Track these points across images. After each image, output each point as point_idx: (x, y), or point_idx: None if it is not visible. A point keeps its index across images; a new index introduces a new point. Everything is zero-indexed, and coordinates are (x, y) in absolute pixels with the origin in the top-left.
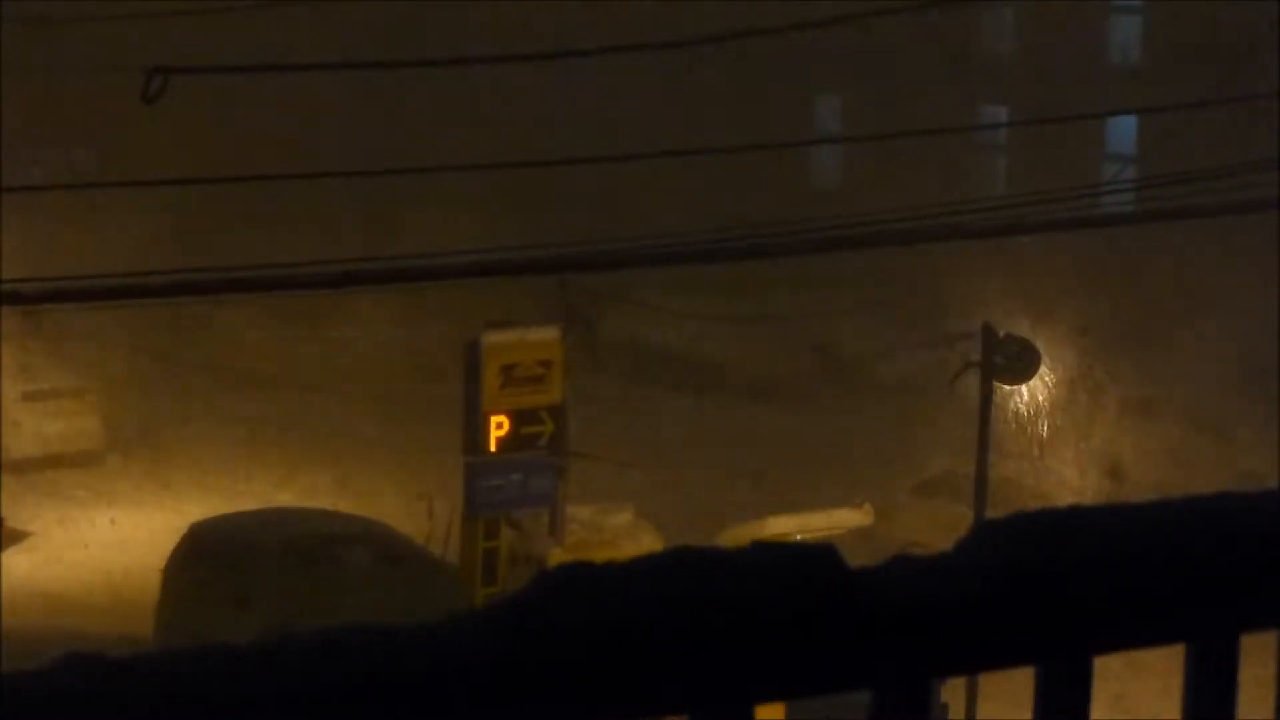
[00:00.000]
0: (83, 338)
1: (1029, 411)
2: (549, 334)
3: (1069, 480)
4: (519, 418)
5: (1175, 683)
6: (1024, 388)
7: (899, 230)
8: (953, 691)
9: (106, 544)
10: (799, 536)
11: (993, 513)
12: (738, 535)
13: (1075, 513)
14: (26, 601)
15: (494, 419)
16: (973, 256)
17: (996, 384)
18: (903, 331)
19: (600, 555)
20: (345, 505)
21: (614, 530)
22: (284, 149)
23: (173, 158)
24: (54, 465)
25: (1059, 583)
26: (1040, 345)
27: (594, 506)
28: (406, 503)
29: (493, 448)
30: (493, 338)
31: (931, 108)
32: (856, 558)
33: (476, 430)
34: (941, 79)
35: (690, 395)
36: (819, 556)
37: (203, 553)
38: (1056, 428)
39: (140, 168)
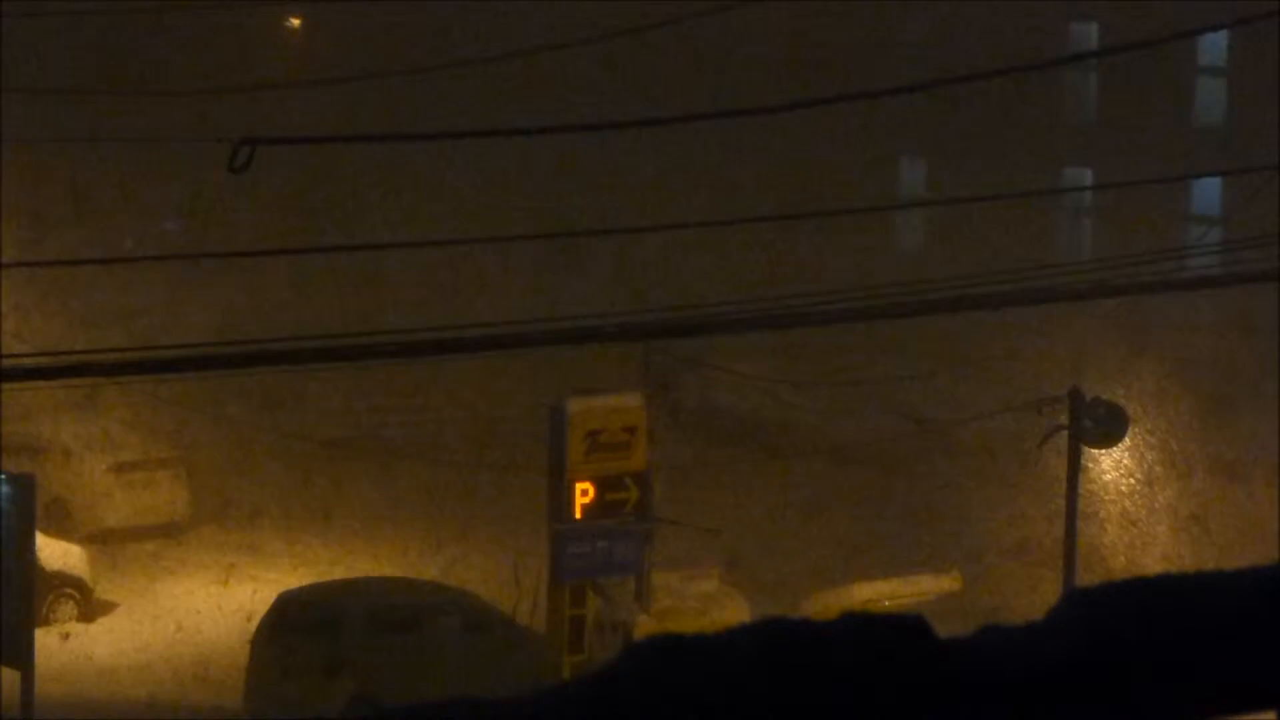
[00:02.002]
0: (171, 407)
1: (1117, 475)
2: (633, 400)
3: (1158, 545)
4: (604, 484)
5: None
6: (1112, 451)
7: (985, 294)
8: None
9: (195, 614)
10: (887, 603)
11: (1082, 578)
12: (825, 602)
13: (1165, 580)
14: (116, 672)
15: (579, 485)
16: (1059, 319)
17: (1084, 448)
18: (989, 395)
19: (687, 623)
20: (432, 573)
21: (700, 597)
22: (372, 218)
23: (260, 227)
24: (142, 536)
25: (1150, 650)
26: (1128, 408)
27: (680, 573)
28: (493, 570)
29: (578, 514)
30: (578, 404)
31: (1016, 171)
32: (945, 624)
33: (562, 497)
34: (1026, 142)
35: (775, 460)
36: (909, 628)
37: (291, 622)
38: (1145, 492)
39: (228, 237)
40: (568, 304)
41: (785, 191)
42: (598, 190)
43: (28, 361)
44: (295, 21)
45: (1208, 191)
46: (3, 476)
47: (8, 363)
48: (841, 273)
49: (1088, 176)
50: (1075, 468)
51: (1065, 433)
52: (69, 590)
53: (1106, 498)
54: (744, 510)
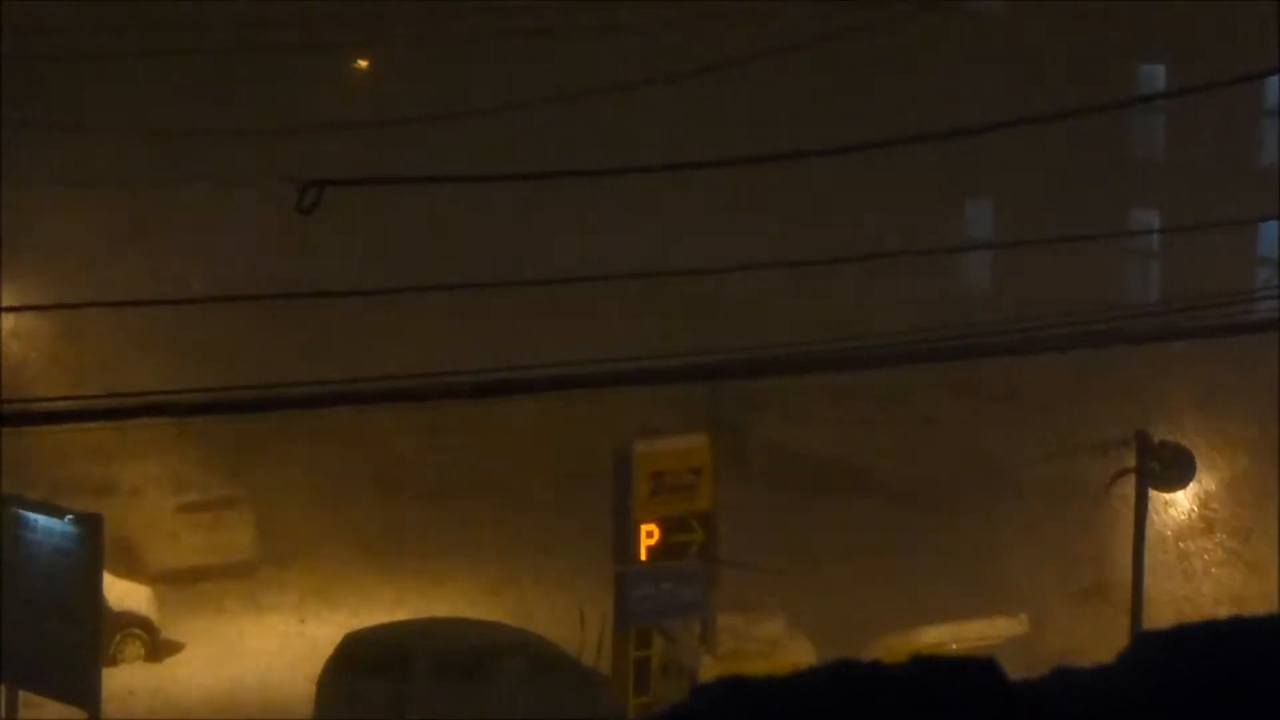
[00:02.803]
0: (235, 448)
1: (1185, 518)
2: (698, 441)
3: (1228, 589)
4: (669, 525)
5: None
6: (1179, 494)
7: (1051, 335)
8: None
9: (261, 655)
10: (954, 647)
11: (1149, 622)
12: (891, 645)
13: (1237, 624)
14: (183, 712)
15: (644, 527)
16: (1126, 362)
17: (1151, 491)
18: (1055, 437)
19: (752, 665)
20: (497, 614)
21: (765, 639)
22: (436, 257)
23: (325, 267)
24: (208, 576)
25: (1222, 695)
26: (1195, 451)
27: (745, 615)
28: (558, 612)
29: (643, 556)
30: (643, 445)
31: (1083, 212)
32: (1013, 668)
33: (627, 538)
34: (1092, 183)
35: (840, 501)
36: (982, 671)
37: (357, 663)
38: (1213, 535)
39: (294, 279)
40: (648, 344)
41: (852, 232)
42: (664, 230)
43: (104, 403)
44: (363, 63)
45: (1274, 234)
46: (71, 516)
47: (83, 404)
48: (907, 314)
49: (1154, 218)
50: (1142, 510)
51: (1132, 475)
52: (136, 630)
53: (1174, 540)
54: (809, 552)
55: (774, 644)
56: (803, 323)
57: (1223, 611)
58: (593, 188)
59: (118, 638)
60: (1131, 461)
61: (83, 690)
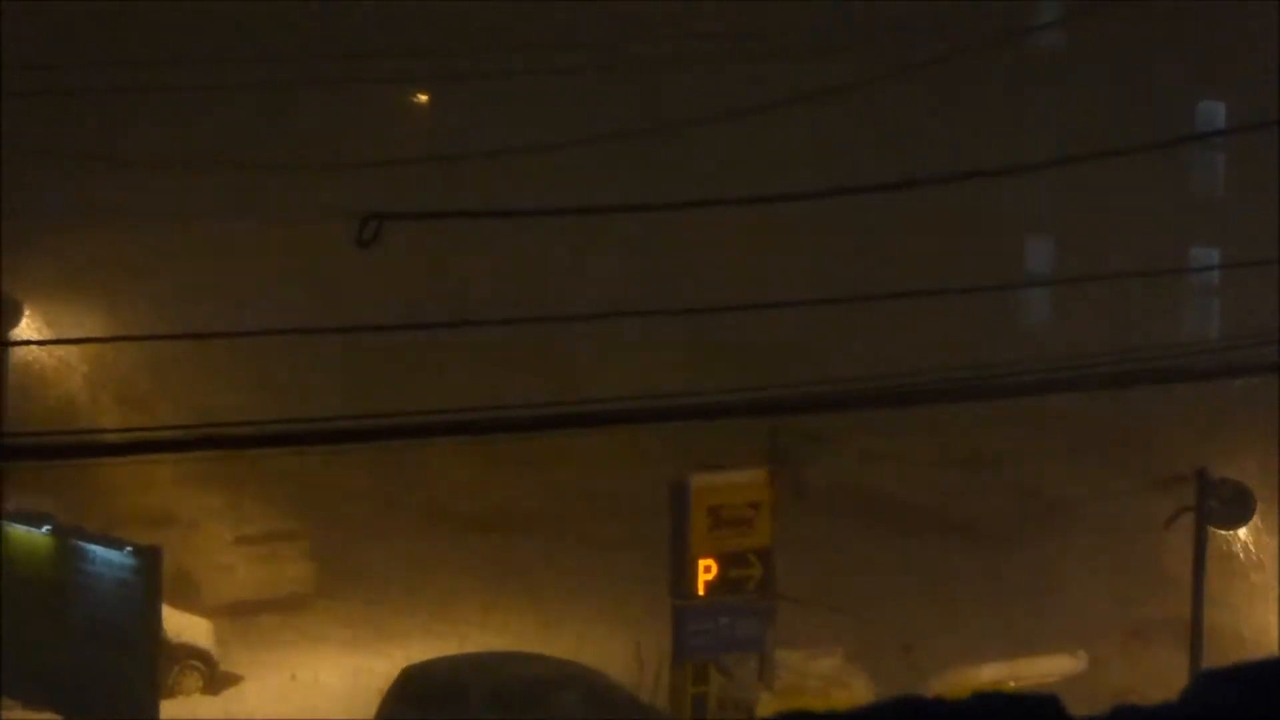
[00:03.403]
0: (295, 480)
1: (1244, 557)
2: (757, 476)
3: None
4: (727, 561)
5: None
6: (1239, 532)
7: (1111, 372)
8: None
9: (318, 687)
10: (1013, 684)
11: (1209, 660)
12: (950, 682)
13: None
14: None
15: (702, 562)
16: (1186, 399)
17: (1211, 529)
18: (1114, 474)
19: (810, 701)
20: (554, 649)
21: (823, 675)
22: (497, 292)
23: (385, 301)
24: (267, 609)
25: None
26: (1255, 489)
27: (803, 651)
28: (615, 646)
29: (701, 591)
30: (701, 480)
31: (1144, 249)
32: (1073, 706)
33: (684, 573)
34: (1153, 221)
35: (898, 537)
36: (1043, 706)
37: (414, 696)
38: (1273, 573)
39: (354, 312)
40: (707, 379)
41: (913, 267)
42: (723, 265)
43: (159, 435)
44: (423, 98)
45: None
46: (130, 548)
47: (138, 436)
48: (967, 349)
49: (1214, 255)
50: (1202, 548)
51: (1192, 513)
52: (194, 662)
53: (1234, 578)
54: (868, 588)
55: (832, 680)
56: (863, 358)
57: None
58: (655, 222)
59: (176, 670)
60: (1191, 498)
61: None
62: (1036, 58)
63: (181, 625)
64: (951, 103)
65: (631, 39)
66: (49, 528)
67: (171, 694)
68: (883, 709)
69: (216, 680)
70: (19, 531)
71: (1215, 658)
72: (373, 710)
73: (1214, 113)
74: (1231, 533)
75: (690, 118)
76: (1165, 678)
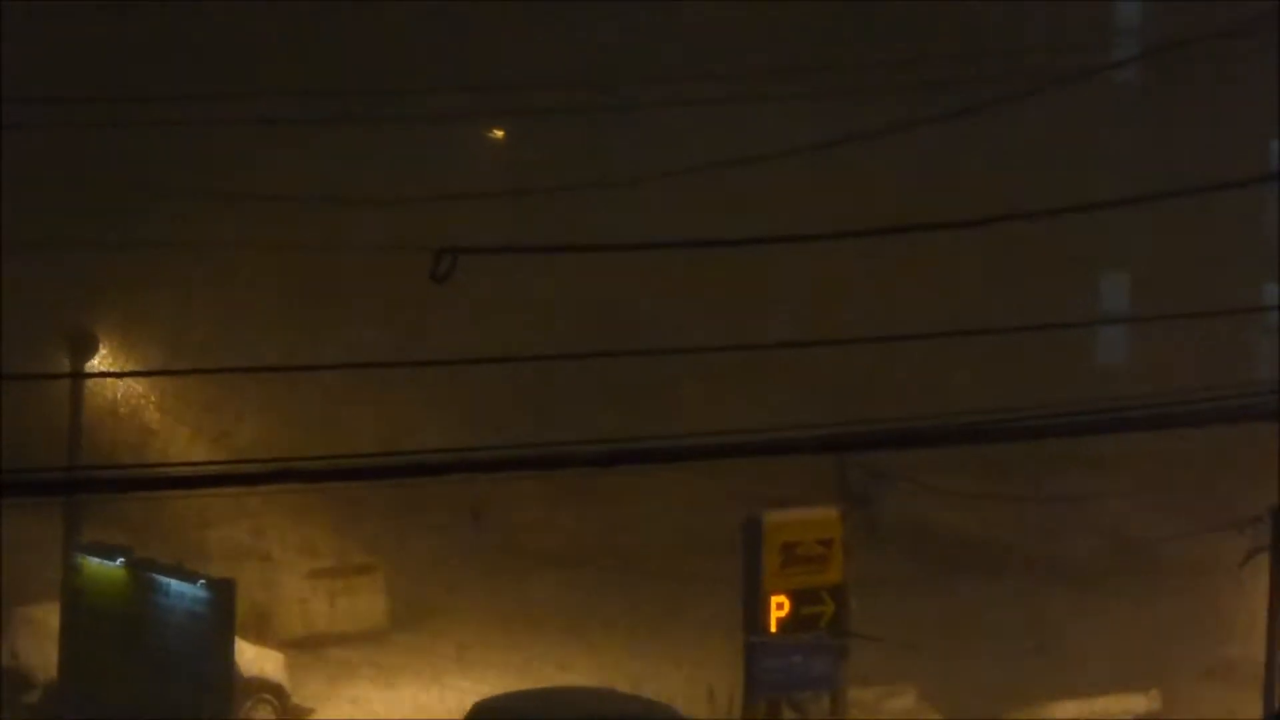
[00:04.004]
0: (369, 515)
1: None
2: (829, 513)
3: None
4: (799, 598)
5: None
6: None
7: (1188, 411)
8: None
9: None
10: None
11: None
12: None
13: None
14: None
15: (774, 599)
16: (1262, 438)
17: None
18: (1189, 513)
19: None
20: (625, 684)
21: (896, 713)
22: (570, 326)
23: (458, 337)
24: (339, 642)
25: None
26: None
27: (876, 689)
28: (687, 683)
29: (773, 628)
30: (774, 517)
31: (1217, 288)
32: None
33: (757, 610)
34: (1229, 259)
35: (971, 576)
36: None
37: None
38: None
39: (427, 347)
40: (779, 415)
41: (986, 305)
42: (795, 301)
43: (234, 468)
44: (499, 133)
45: None
46: (203, 581)
47: (213, 469)
48: (1042, 387)
49: None
50: (1277, 588)
51: (1267, 553)
52: (266, 696)
53: None
54: (941, 626)
55: (904, 718)
56: (938, 395)
57: None
58: (726, 257)
59: (248, 703)
60: (1266, 538)
61: None
62: (1116, 94)
63: (254, 658)
64: (1028, 139)
65: (708, 74)
66: (123, 560)
67: None
68: None
69: (288, 714)
70: (94, 564)
71: None
72: None
73: None
74: None
75: (764, 153)
76: (1239, 718)
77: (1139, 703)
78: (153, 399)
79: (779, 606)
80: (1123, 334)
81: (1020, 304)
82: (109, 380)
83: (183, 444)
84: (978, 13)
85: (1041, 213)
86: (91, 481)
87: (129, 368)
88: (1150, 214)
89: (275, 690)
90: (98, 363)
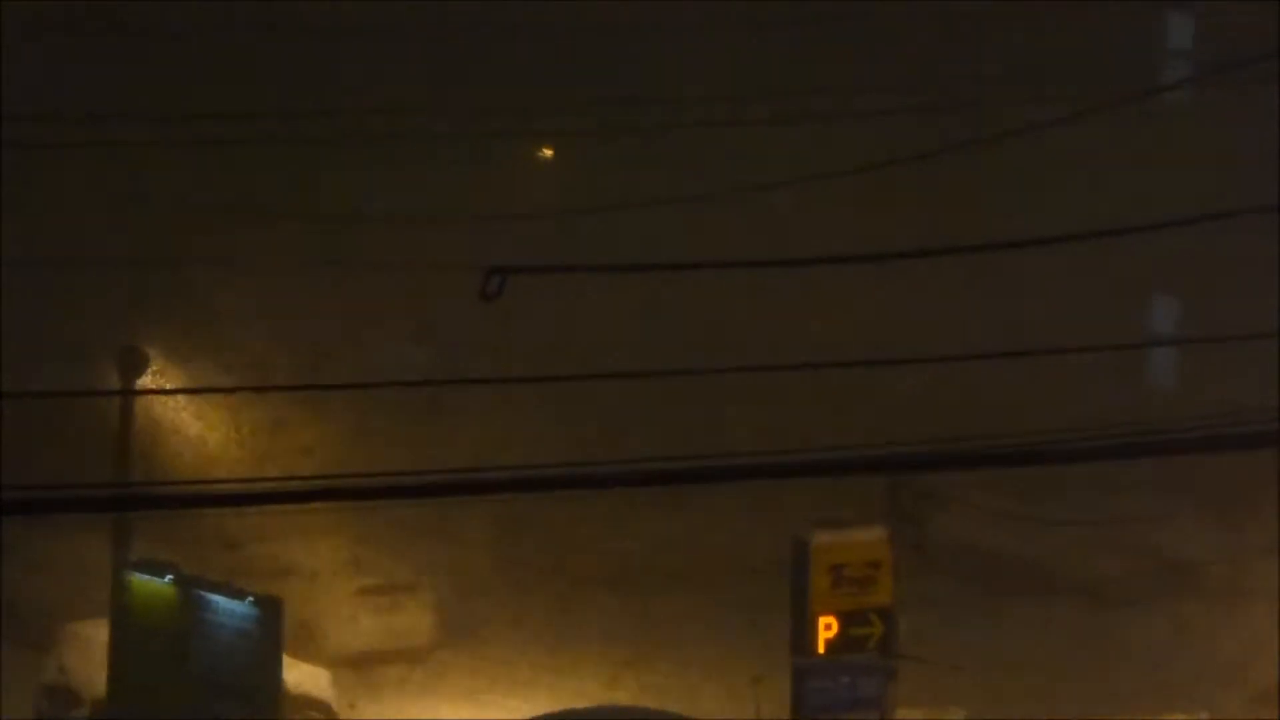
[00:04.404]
0: (416, 533)
1: None
2: (878, 534)
3: None
4: (848, 619)
5: None
6: None
7: (1235, 434)
8: None
9: None
10: None
11: None
12: None
13: None
14: None
15: (823, 620)
16: None
17: None
18: (1236, 537)
19: None
20: (673, 704)
21: None
22: (622, 346)
23: (508, 355)
24: (386, 660)
25: None
26: None
27: (923, 710)
28: (735, 703)
29: (821, 649)
30: (822, 537)
31: (1266, 306)
32: None
33: (805, 631)
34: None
35: (1019, 597)
36: None
37: None
38: None
39: (477, 365)
40: (828, 436)
41: (1034, 326)
42: (844, 321)
43: (282, 486)
44: (548, 151)
45: None
46: (251, 598)
47: (261, 487)
48: (1089, 409)
49: None
50: None
51: None
52: (313, 713)
53: None
54: (990, 648)
55: None
56: (987, 416)
57: None
58: (780, 275)
59: None
60: None
61: None
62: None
63: (301, 676)
64: (1084, 158)
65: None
66: (171, 577)
67: None
68: None
69: None
70: (142, 581)
71: None
72: None
73: None
74: None
75: (815, 173)
76: None
77: None
78: (205, 418)
79: (827, 627)
80: (1172, 355)
81: (1072, 324)
82: (161, 396)
83: (231, 462)
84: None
85: (1104, 233)
86: (141, 499)
87: (178, 385)
88: (1210, 234)
89: (322, 707)
90: (147, 380)
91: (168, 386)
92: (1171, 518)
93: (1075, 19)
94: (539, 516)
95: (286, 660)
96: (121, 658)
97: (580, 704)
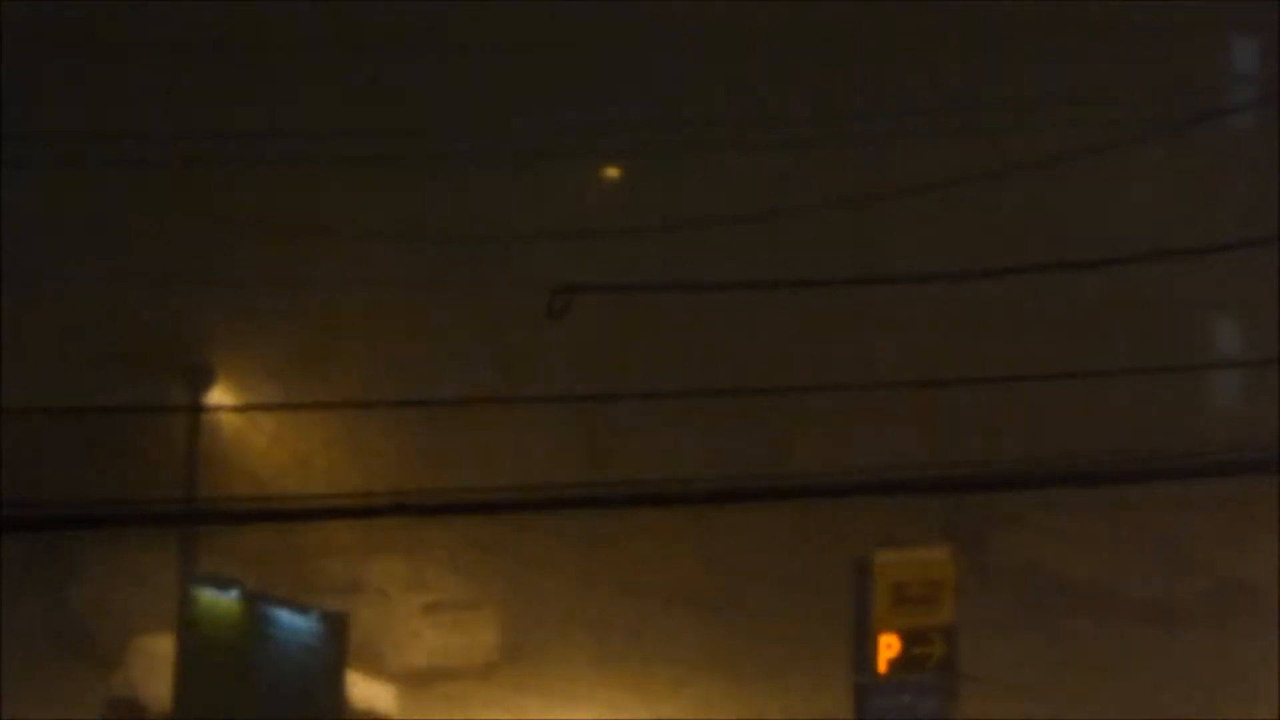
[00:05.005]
0: (480, 549)
1: None
2: (940, 553)
3: None
4: (909, 638)
5: None
6: None
7: None
8: None
9: None
10: None
11: None
12: None
13: None
14: None
15: (884, 639)
16: None
17: None
18: None
19: None
20: None
21: None
22: (684, 363)
23: (574, 373)
24: (450, 676)
25: None
26: None
27: None
28: None
29: (883, 668)
30: (884, 556)
31: None
32: None
33: (865, 649)
34: None
35: (1083, 618)
36: None
37: None
38: None
39: (543, 384)
40: (891, 455)
41: (1098, 345)
42: (904, 340)
43: (348, 501)
44: (614, 172)
45: None
46: (317, 614)
47: (327, 502)
48: (1156, 429)
49: None
50: None
51: None
52: None
53: None
54: (1053, 668)
55: None
56: (1048, 435)
57: None
58: (846, 294)
59: None
60: None
61: None
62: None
63: (366, 692)
64: (1148, 179)
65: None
66: (237, 592)
67: None
68: None
69: None
70: (208, 595)
71: None
72: None
73: None
74: None
75: (882, 191)
76: None
77: None
78: (272, 434)
79: (888, 646)
80: (1239, 376)
81: (1135, 342)
82: (226, 413)
83: (299, 478)
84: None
85: (1168, 253)
86: (207, 514)
87: (246, 402)
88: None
89: None
90: (214, 396)
91: (233, 403)
92: (1237, 538)
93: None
94: (604, 533)
95: (351, 676)
96: (187, 672)
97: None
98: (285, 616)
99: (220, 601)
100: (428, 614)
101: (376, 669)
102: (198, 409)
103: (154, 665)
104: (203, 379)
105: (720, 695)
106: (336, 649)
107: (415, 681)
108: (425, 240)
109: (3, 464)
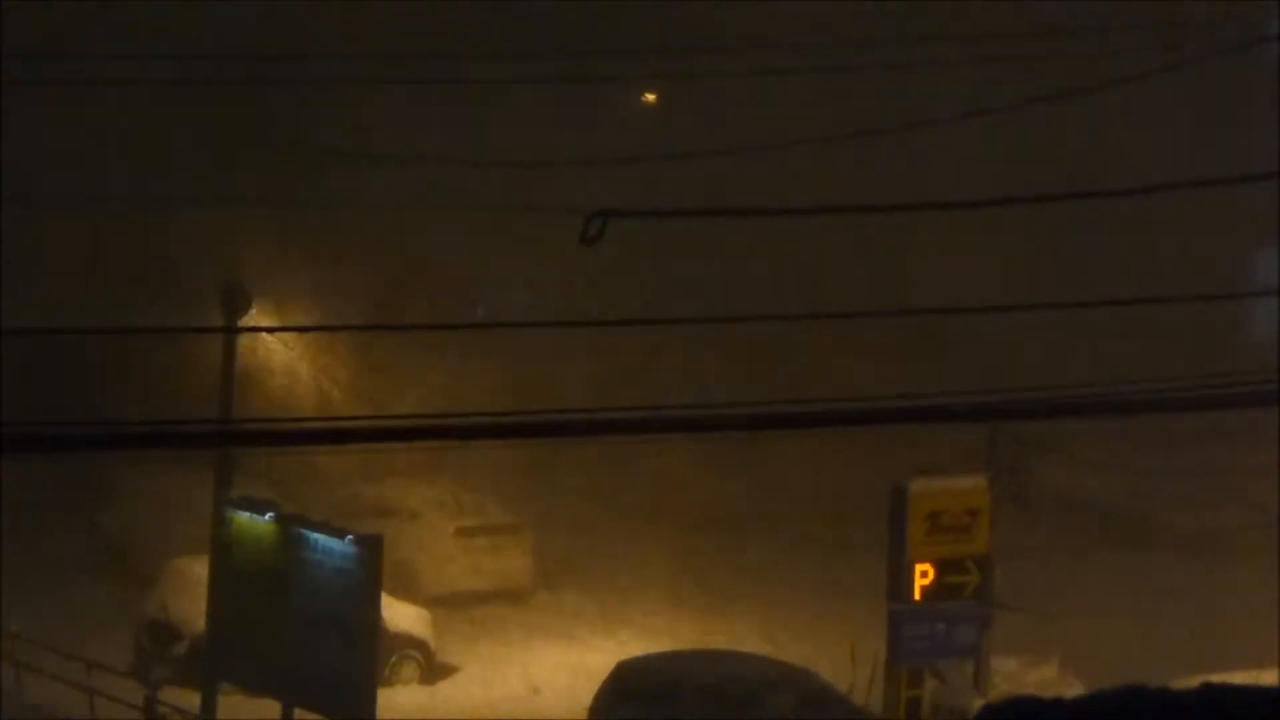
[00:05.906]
0: (515, 474)
1: None
2: (976, 483)
3: None
4: (944, 566)
5: None
6: None
7: None
8: None
9: (535, 679)
10: None
11: None
12: None
13: None
14: None
15: (919, 567)
16: None
17: None
18: None
19: None
20: (768, 648)
21: (1039, 684)
22: (717, 292)
23: (606, 299)
24: (485, 600)
25: None
26: None
27: (1019, 659)
28: (829, 648)
29: (917, 596)
30: (920, 485)
31: None
32: None
33: (901, 577)
34: None
35: (1119, 548)
36: (1270, 700)
37: (628, 691)
38: None
39: (575, 308)
40: (928, 383)
41: (1136, 275)
42: (950, 269)
43: (382, 423)
44: (651, 97)
45: None
46: (351, 537)
47: (362, 424)
48: (1192, 359)
49: None
50: None
51: None
52: (412, 652)
53: None
54: (1087, 598)
55: (1047, 689)
56: (1088, 364)
57: None
58: (881, 223)
59: (394, 659)
60: None
61: (358, 709)
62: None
63: (400, 615)
64: (1192, 108)
65: (860, 40)
66: (272, 515)
67: (389, 683)
68: (1110, 697)
69: (433, 671)
70: (243, 518)
71: None
72: (587, 703)
73: None
74: None
75: (916, 119)
76: None
77: None
78: (307, 357)
79: (923, 574)
80: (1274, 308)
81: (1172, 273)
82: (261, 335)
83: (333, 400)
84: None
85: (1209, 182)
86: (242, 435)
87: (281, 324)
88: None
89: (420, 646)
90: (250, 318)
91: (270, 325)
92: (1271, 470)
93: None
94: (639, 459)
95: (385, 599)
96: (221, 594)
97: (677, 646)
98: (320, 540)
99: (255, 524)
100: (462, 538)
101: (410, 593)
102: (233, 330)
103: (188, 588)
104: (237, 301)
105: (756, 622)
106: (371, 572)
107: (449, 605)
108: (461, 164)
109: (42, 385)
